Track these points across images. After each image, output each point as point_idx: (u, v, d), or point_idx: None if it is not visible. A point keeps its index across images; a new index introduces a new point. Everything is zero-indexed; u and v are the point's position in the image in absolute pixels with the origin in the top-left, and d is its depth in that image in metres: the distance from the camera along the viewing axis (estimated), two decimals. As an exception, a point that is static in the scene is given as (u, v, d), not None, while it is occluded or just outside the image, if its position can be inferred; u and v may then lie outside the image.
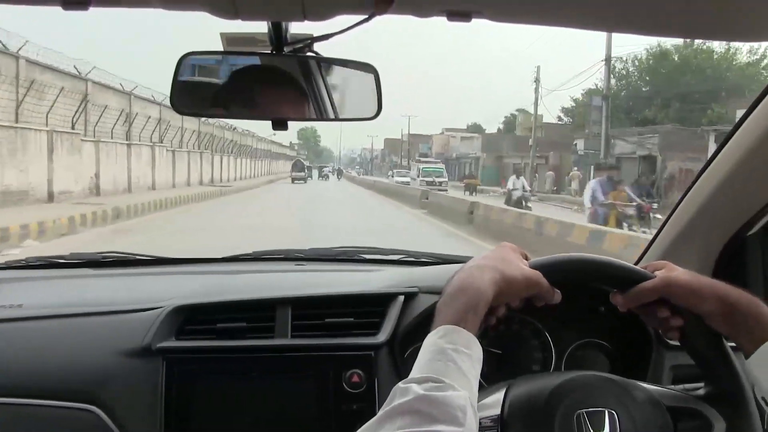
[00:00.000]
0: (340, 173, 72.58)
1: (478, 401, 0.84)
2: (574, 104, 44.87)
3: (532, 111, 62.02)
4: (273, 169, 67.03)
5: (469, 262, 0.95)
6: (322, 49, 1.13)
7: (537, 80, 37.94)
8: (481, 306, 0.87)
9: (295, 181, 48.01)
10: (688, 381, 1.08)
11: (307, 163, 59.93)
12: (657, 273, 0.98)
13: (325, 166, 74.17)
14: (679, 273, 0.96)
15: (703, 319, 0.94)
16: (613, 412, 0.90)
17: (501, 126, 71.88)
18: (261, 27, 1.09)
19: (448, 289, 0.91)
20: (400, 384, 0.79)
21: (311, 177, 55.83)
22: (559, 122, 50.16)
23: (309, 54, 1.12)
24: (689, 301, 0.94)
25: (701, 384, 0.99)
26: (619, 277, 1.00)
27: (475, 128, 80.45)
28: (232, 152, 43.15)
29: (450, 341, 0.82)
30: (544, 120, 56.44)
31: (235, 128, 44.93)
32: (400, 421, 0.73)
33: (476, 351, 0.84)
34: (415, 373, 0.80)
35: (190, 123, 32.58)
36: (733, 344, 0.95)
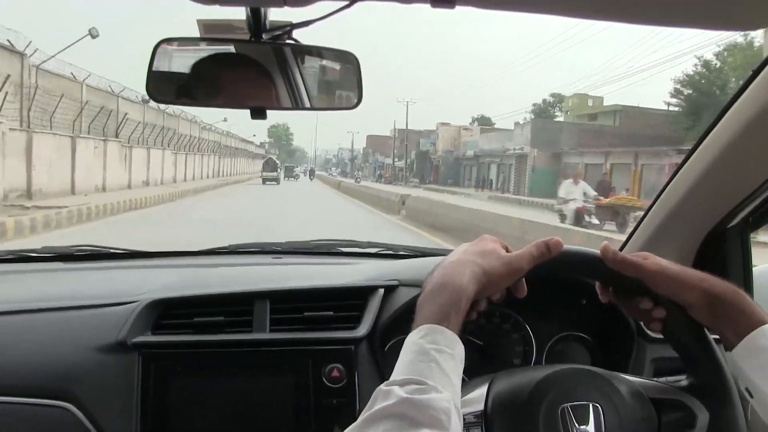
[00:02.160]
0: (312, 173, 71.96)
1: (461, 397, 0.83)
2: (700, 79, 30.67)
3: (569, 95, 46.90)
4: (225, 170, 52.23)
5: (449, 255, 0.93)
6: (302, 36, 1.11)
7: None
8: (463, 303, 0.86)
9: (267, 182, 42.78)
10: (668, 374, 1.08)
11: (278, 163, 56.56)
12: None
13: (295, 167, 72.41)
14: (665, 262, 0.95)
15: (686, 310, 0.94)
16: (598, 405, 0.89)
17: (528, 117, 55.48)
18: (239, 13, 1.07)
19: (428, 284, 0.89)
20: (382, 386, 0.77)
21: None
22: (668, 107, 36.60)
23: (288, 42, 1.10)
24: (674, 291, 0.93)
25: (683, 376, 0.99)
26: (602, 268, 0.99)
27: (484, 121, 68.68)
28: (141, 140, 27.87)
29: (432, 341, 0.80)
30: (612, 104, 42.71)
31: (157, 106, 28.86)
32: (384, 425, 0.72)
33: (459, 350, 0.82)
34: (397, 374, 0.79)
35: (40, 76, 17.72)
36: (715, 336, 0.95)
